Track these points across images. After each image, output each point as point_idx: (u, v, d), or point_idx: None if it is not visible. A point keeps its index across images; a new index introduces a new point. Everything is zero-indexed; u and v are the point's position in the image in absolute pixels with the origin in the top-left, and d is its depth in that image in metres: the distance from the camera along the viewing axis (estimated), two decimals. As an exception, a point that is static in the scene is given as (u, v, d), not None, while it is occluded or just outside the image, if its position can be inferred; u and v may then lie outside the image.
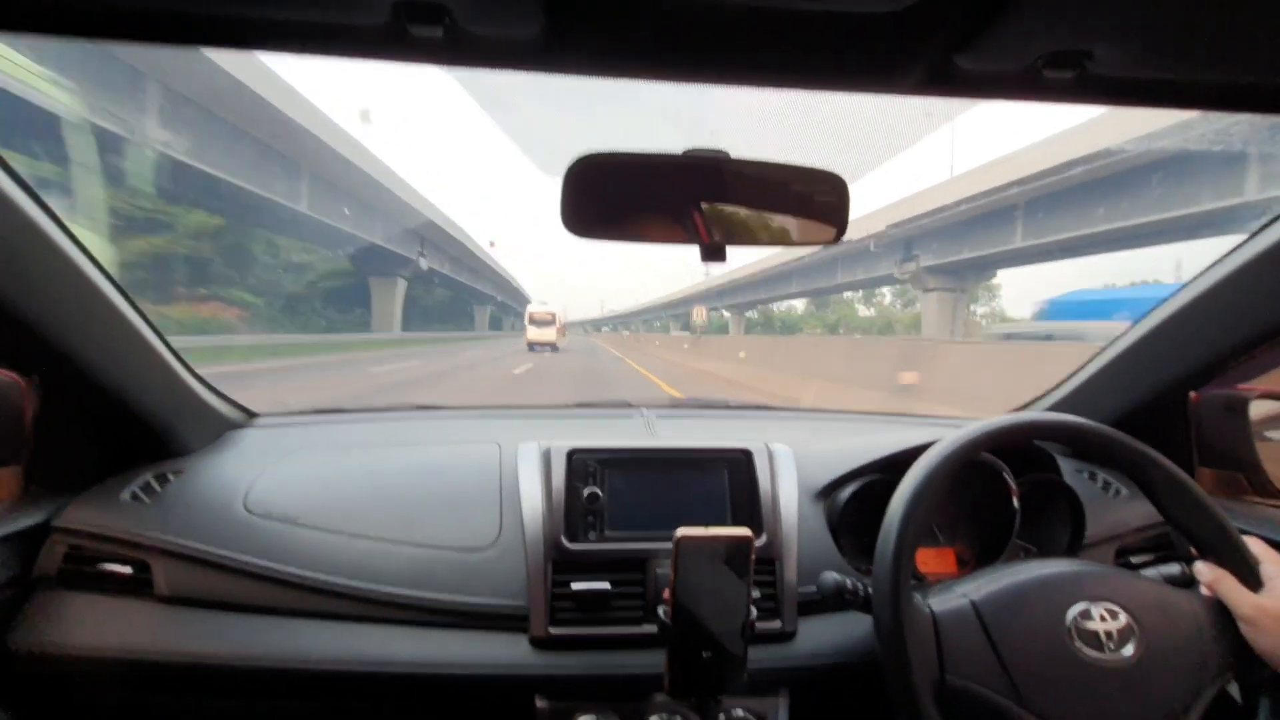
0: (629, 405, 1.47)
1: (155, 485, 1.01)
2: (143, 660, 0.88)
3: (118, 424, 1.03)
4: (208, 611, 0.91)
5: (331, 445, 1.19)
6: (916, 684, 0.71)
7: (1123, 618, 0.74)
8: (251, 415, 1.29)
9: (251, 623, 0.91)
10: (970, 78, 0.55)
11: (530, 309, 30.78)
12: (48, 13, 0.47)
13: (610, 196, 0.67)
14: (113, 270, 0.93)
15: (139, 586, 0.92)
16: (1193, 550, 0.82)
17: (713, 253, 0.70)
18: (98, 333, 0.92)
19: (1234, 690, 0.79)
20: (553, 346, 27.38)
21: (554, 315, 28.90)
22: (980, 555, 1.06)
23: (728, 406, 1.56)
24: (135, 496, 0.99)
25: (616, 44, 0.51)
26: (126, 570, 0.92)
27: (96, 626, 0.89)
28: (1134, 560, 1.08)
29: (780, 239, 0.72)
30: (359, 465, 1.11)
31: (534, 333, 28.29)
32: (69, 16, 0.47)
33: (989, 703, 0.71)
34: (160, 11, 0.46)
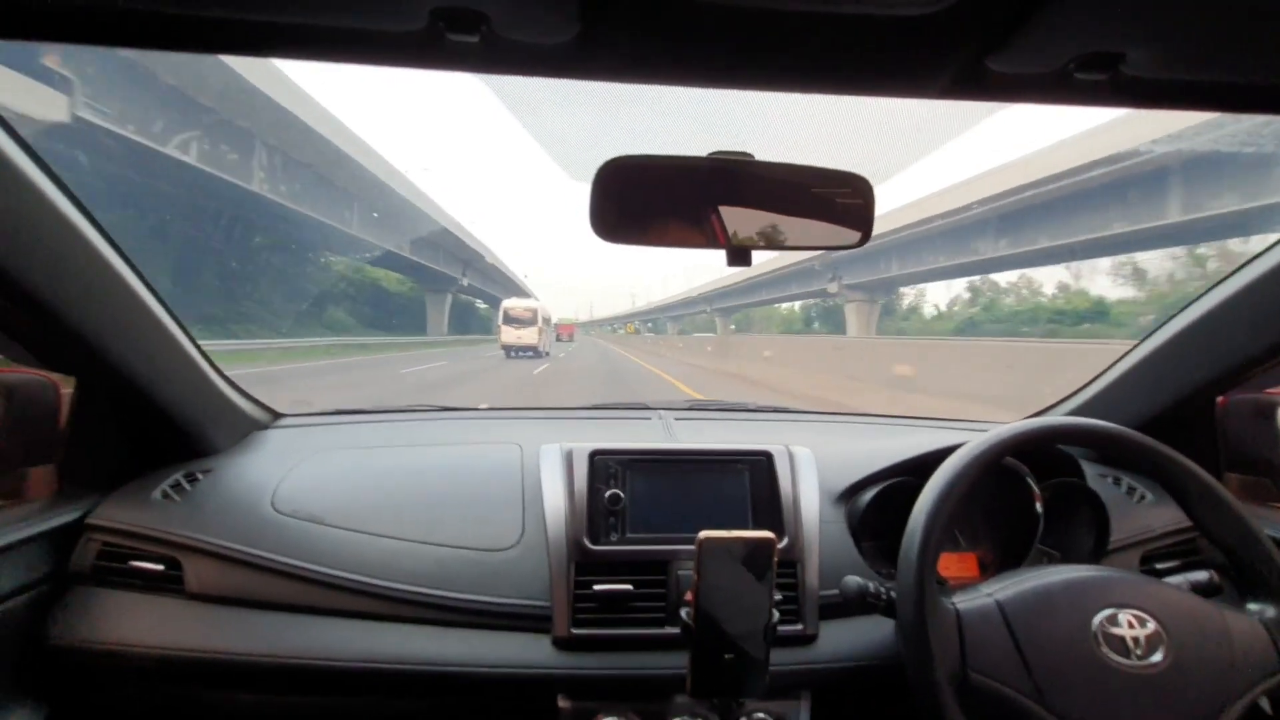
0: (646, 407, 1.47)
1: (185, 484, 1.03)
2: (173, 655, 0.89)
3: (149, 424, 1.05)
4: (236, 608, 0.93)
5: (355, 445, 1.20)
6: (938, 678, 0.70)
7: (1151, 625, 0.73)
8: (277, 415, 1.31)
9: (279, 620, 0.92)
10: (1001, 80, 0.55)
11: (506, 304, 23.87)
12: (81, 20, 0.47)
13: (638, 200, 0.67)
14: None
15: (170, 583, 0.93)
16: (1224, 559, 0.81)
17: (738, 256, 0.70)
18: (133, 336, 0.94)
19: (1264, 703, 0.78)
20: (534, 350, 22.00)
21: (535, 311, 22.76)
22: (1002, 560, 1.05)
23: (746, 409, 1.56)
24: (166, 495, 1.01)
25: (648, 49, 0.52)
26: (158, 567, 0.94)
27: (129, 622, 0.91)
28: (1159, 567, 1.07)
29: (805, 241, 0.73)
30: (382, 465, 1.13)
31: (509, 334, 22.41)
32: (107, 24, 0.47)
33: (1011, 702, 0.71)
34: (194, 18, 0.47)
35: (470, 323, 52.09)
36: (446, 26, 0.46)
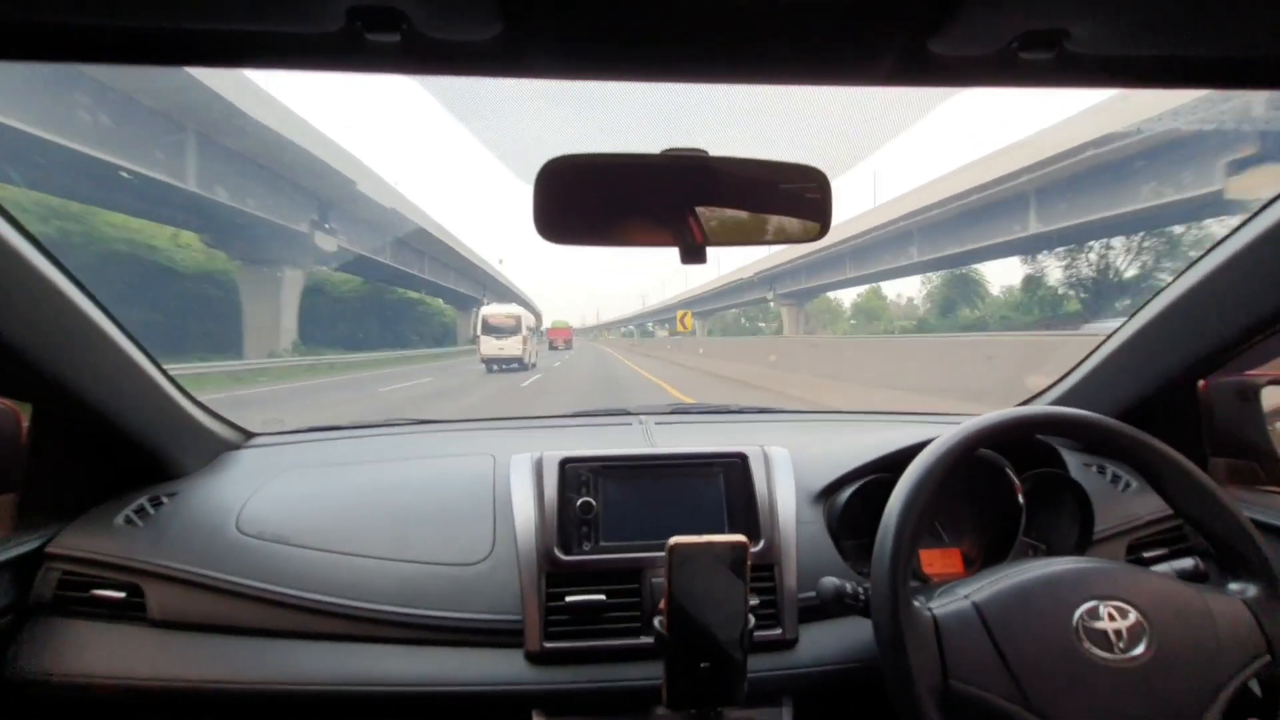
0: (627, 413, 1.46)
1: (149, 508, 1.01)
2: (137, 686, 0.87)
3: (112, 449, 1.03)
4: (201, 635, 0.90)
5: (325, 462, 1.18)
6: (918, 688, 0.69)
7: (1132, 616, 0.71)
8: (249, 435, 1.29)
9: (245, 645, 0.90)
10: (944, 64, 0.53)
11: (484, 312, 20.59)
12: None
13: (584, 200, 0.66)
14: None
15: (132, 611, 0.91)
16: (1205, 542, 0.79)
17: (693, 254, 0.68)
18: (89, 359, 0.92)
19: (1254, 687, 0.76)
20: (519, 363, 19.60)
21: (518, 319, 20.10)
22: (987, 555, 1.03)
23: (728, 411, 1.54)
24: (129, 520, 0.98)
25: (577, 44, 0.50)
26: (119, 595, 0.91)
27: (91, 653, 0.89)
28: (1147, 555, 1.05)
29: (763, 237, 0.71)
30: (351, 482, 1.11)
31: (490, 345, 19.45)
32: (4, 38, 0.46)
33: (994, 708, 0.69)
34: (105, 29, 0.45)
35: (401, 331, 34.12)
36: (365, 26, 0.45)
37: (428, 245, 27.89)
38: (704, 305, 61.94)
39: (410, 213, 24.18)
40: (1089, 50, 0.51)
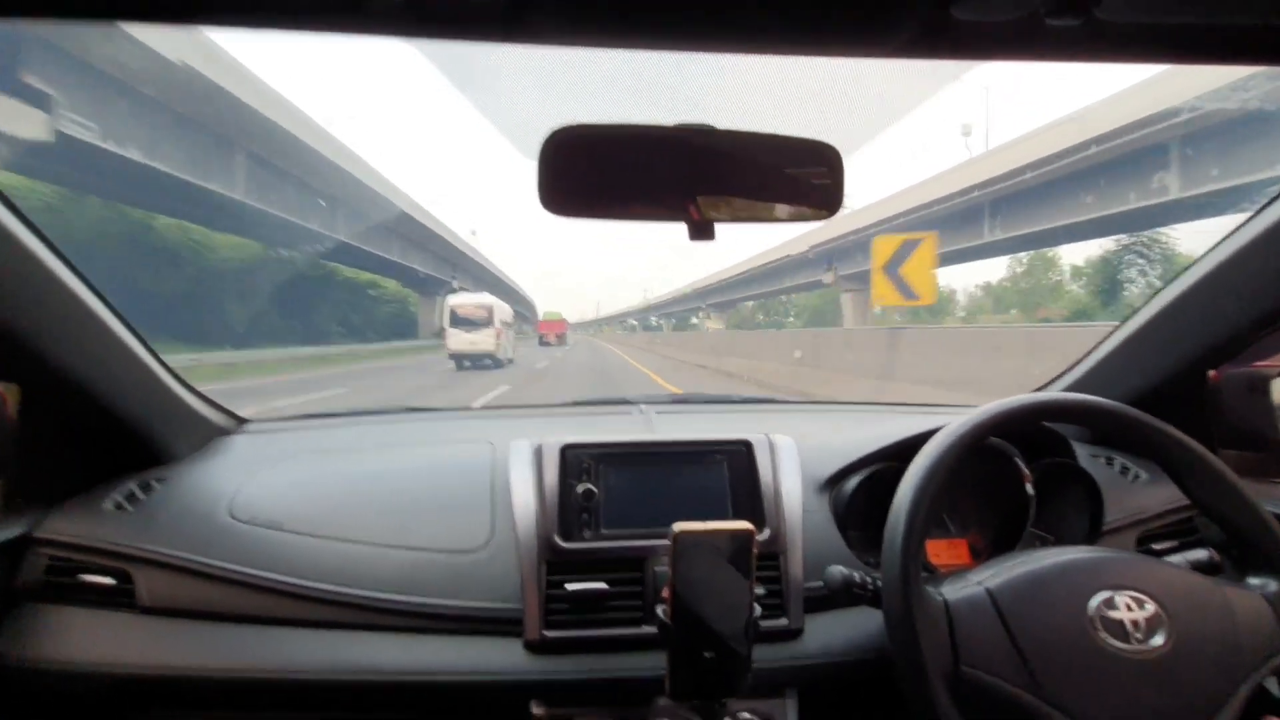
0: (627, 402, 1.44)
1: (139, 493, 0.99)
2: (126, 674, 0.85)
3: (102, 432, 1.01)
4: (192, 622, 0.88)
5: (320, 449, 1.16)
6: (929, 673, 0.67)
7: (1150, 606, 0.70)
8: (241, 421, 1.27)
9: (237, 632, 0.88)
10: (968, 31, 0.51)
11: (451, 302, 18.36)
12: None
13: (590, 171, 0.64)
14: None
15: (121, 597, 0.89)
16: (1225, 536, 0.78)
17: (701, 230, 0.66)
18: (79, 340, 0.90)
19: (1271, 685, 0.75)
20: (492, 359, 17.13)
21: (490, 310, 17.68)
22: (994, 545, 1.02)
23: (729, 400, 1.53)
24: (118, 505, 0.96)
25: (586, 9, 0.48)
26: (108, 581, 0.89)
27: (79, 640, 0.87)
28: (1157, 547, 1.04)
29: (773, 215, 0.69)
30: (347, 468, 1.09)
31: (458, 339, 17.08)
32: None
33: (1006, 695, 0.67)
34: None
35: (316, 319, 23.94)
36: None
37: (329, 182, 18.44)
38: (723, 295, 51.28)
39: (281, 115, 14.58)
40: (1120, 18, 0.49)
